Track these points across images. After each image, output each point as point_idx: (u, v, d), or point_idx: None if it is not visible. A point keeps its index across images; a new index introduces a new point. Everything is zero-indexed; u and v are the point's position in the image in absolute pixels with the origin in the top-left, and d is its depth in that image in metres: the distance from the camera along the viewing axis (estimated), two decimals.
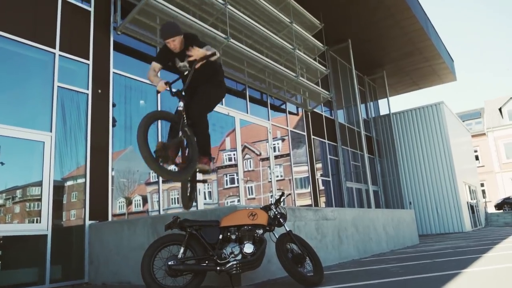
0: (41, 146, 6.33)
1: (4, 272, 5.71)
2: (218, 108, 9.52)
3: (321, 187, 13.71)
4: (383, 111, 20.17)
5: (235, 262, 4.25)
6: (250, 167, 10.99)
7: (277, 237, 4.63)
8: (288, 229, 4.72)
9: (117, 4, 7.84)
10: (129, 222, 6.13)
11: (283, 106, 12.62)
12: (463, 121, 28.43)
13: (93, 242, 6.40)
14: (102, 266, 6.16)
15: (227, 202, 9.93)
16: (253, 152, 11.32)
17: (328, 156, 14.61)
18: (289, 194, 10.49)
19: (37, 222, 6.13)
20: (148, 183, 8.28)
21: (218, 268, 4.26)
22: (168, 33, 4.08)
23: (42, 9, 6.76)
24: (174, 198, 8.86)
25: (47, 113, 6.50)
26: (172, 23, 4.34)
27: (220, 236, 4.45)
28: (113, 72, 7.57)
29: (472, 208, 20.10)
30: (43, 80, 6.59)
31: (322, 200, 13.60)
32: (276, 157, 11.85)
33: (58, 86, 6.66)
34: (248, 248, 4.33)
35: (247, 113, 10.81)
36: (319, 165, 13.93)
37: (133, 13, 7.59)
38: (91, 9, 7.51)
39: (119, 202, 7.66)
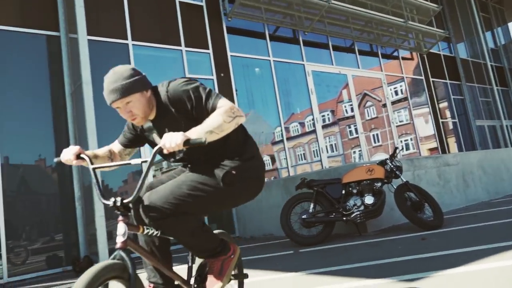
0: None
1: None
2: (329, 68, 9.97)
3: (448, 128, 13.28)
4: None
5: (358, 213, 4.93)
6: (373, 114, 11.20)
7: (395, 188, 5.14)
8: (404, 180, 5.17)
9: None
10: (265, 185, 7.19)
11: (395, 54, 12.40)
12: None
13: None
14: (248, 223, 7.37)
15: (353, 152, 10.34)
16: (374, 98, 11.46)
17: (452, 97, 13.93)
18: (402, 148, 10.53)
19: None
20: (274, 143, 9.18)
21: (344, 218, 4.99)
22: (113, 92, 1.90)
23: (165, 15, 7.95)
24: (300, 154, 9.68)
25: None
26: (120, 72, 1.93)
27: (343, 191, 5.15)
28: (230, 55, 8.54)
29: None
30: (177, 74, 7.86)
31: (452, 141, 13.20)
32: (394, 102, 11.84)
33: (189, 76, 7.86)
34: (369, 199, 4.95)
35: (358, 67, 10.99)
36: (442, 106, 13.43)
37: None
38: (203, 3, 8.50)
39: None
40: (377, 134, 11.15)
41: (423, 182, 6.44)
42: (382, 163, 5.27)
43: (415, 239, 4.35)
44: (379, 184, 5.07)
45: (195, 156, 1.99)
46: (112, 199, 1.63)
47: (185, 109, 1.89)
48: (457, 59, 14.60)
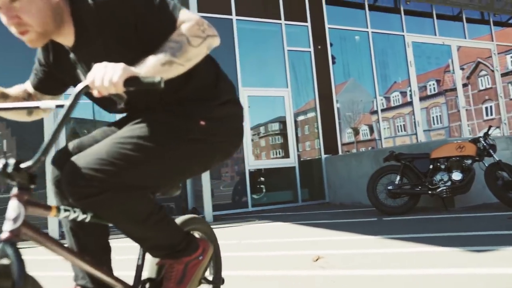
0: (281, 100, 8.19)
1: (269, 193, 7.97)
2: (431, 39, 9.62)
3: None
4: None
5: (444, 188, 5.07)
6: (488, 84, 10.59)
7: (486, 166, 5.12)
8: (498, 159, 5.13)
9: None
10: (356, 155, 7.49)
11: (511, 21, 11.36)
12: None
13: (329, 171, 8.06)
14: (338, 190, 7.77)
15: (459, 126, 9.99)
16: (488, 67, 10.80)
17: None
18: (497, 127, 9.82)
19: (281, 154, 8.15)
20: (373, 112, 9.28)
21: (430, 192, 5.16)
22: None
23: None
24: (400, 125, 9.66)
25: (282, 73, 8.25)
26: None
27: (431, 166, 5.29)
28: (328, 27, 8.73)
29: None
30: (275, 47, 8.32)
31: None
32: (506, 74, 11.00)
33: (287, 50, 8.29)
34: (457, 176, 5.04)
35: (465, 37, 10.37)
36: None
37: None
38: None
39: (347, 133, 9.06)
40: (490, 107, 10.53)
41: None
42: (475, 140, 5.26)
43: (503, 218, 4.41)
44: (469, 162, 5.11)
45: (144, 104, 1.35)
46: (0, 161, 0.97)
47: (124, 31, 1.23)
48: None
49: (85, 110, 6.88)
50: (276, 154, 8.19)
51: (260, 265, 3.08)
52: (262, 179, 7.88)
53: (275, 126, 8.28)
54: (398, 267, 2.68)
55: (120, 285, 1.25)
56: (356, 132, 9.26)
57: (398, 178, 5.37)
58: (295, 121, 8.24)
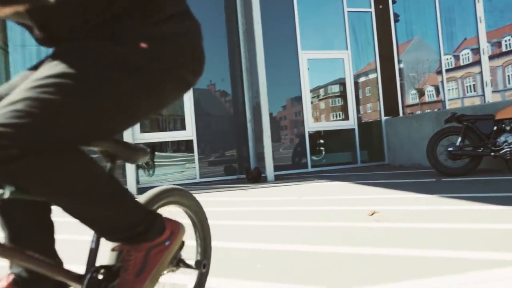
0: (341, 62, 8.19)
1: (329, 155, 8.16)
2: None
3: None
4: None
5: (509, 149, 4.99)
6: None
7: None
8: None
9: None
10: (417, 117, 7.42)
11: None
12: None
13: (389, 133, 8.06)
14: (398, 151, 7.79)
15: None
16: None
17: None
18: None
19: (340, 116, 8.24)
20: (439, 72, 9.00)
21: (492, 154, 5.11)
22: None
23: None
24: (469, 85, 9.29)
25: (342, 35, 8.20)
26: None
27: (495, 128, 5.19)
28: None
29: None
30: (335, 9, 8.25)
31: None
32: None
33: (347, 11, 8.19)
34: None
35: None
36: None
37: None
38: None
39: (411, 94, 8.89)
40: None
41: None
42: None
43: None
44: None
45: (66, 29, 1.01)
46: None
47: None
48: None
49: None
50: (336, 116, 8.30)
51: (317, 217, 3.38)
52: (322, 141, 8.08)
53: (335, 89, 8.35)
54: (451, 222, 2.85)
55: (62, 275, 0.99)
56: (420, 93, 9.04)
57: (459, 139, 5.35)
58: (355, 83, 8.25)
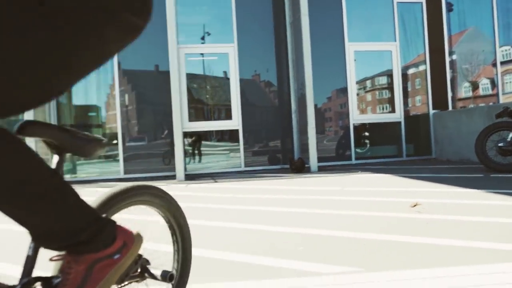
0: (389, 54, 8.09)
1: (373, 147, 8.13)
2: None
3: None
4: None
5: None
6: None
7: None
8: None
9: None
10: (467, 111, 7.23)
11: None
12: None
13: (437, 127, 7.90)
14: (446, 146, 7.63)
15: None
16: None
17: None
18: None
19: (386, 109, 8.15)
20: (495, 64, 8.66)
21: None
22: None
23: None
24: None
25: (390, 27, 8.09)
26: None
27: None
28: None
29: None
30: (384, 0, 8.12)
31: None
32: None
33: (397, 2, 8.05)
34: None
35: None
36: None
37: None
38: None
39: (464, 87, 8.63)
40: None
41: None
42: None
43: None
44: None
45: None
46: None
47: None
48: None
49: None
50: (383, 109, 8.23)
51: (359, 207, 3.47)
52: (367, 133, 8.05)
53: (382, 81, 8.27)
54: (496, 216, 2.86)
55: None
56: (474, 86, 8.73)
57: (510, 135, 5.20)
58: (403, 75, 8.13)
